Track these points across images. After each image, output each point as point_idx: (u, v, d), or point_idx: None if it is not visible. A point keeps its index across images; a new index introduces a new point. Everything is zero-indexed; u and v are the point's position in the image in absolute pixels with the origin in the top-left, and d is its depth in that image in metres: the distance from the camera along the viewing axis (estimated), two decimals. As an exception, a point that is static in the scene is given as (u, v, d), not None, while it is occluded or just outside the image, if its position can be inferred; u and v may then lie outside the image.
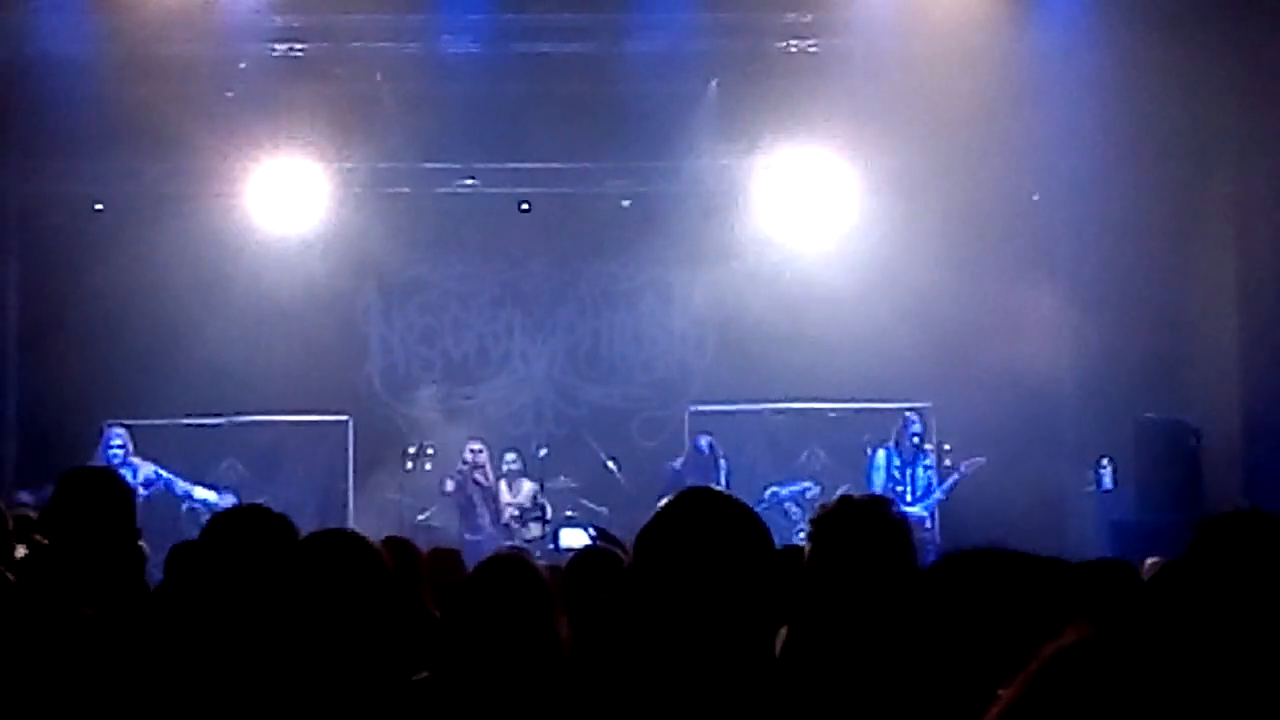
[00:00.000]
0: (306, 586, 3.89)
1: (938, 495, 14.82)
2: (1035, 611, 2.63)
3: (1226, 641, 1.42)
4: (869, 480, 14.83)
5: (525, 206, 16.35)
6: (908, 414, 14.99)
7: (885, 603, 3.54)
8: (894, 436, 14.97)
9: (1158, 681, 1.38)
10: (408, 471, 15.56)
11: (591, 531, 11.33)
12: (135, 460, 14.38)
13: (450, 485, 15.08)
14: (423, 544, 11.09)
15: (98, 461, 14.27)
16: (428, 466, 15.54)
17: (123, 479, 4.78)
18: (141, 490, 14.12)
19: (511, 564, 4.72)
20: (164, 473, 14.38)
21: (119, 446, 14.44)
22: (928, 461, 14.97)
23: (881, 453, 14.97)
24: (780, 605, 3.05)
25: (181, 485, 14.34)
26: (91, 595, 4.47)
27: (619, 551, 6.01)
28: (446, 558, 7.04)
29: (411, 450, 15.67)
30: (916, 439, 14.91)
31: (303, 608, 3.87)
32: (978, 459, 14.58)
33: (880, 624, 3.44)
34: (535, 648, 4.41)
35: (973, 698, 1.57)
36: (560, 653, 4.45)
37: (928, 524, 14.55)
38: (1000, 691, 1.51)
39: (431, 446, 15.65)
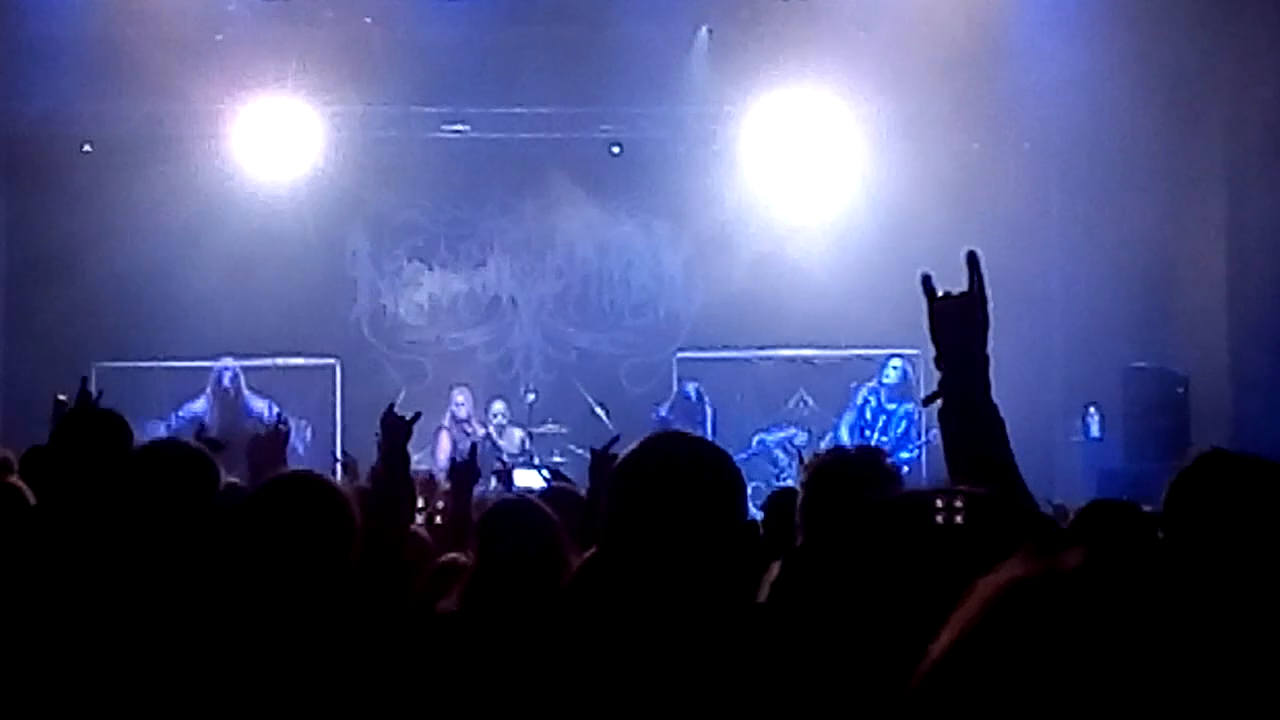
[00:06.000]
0: (262, 526, 3.87)
1: (916, 448, 14.64)
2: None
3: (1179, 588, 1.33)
4: (839, 418, 14.90)
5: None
6: (892, 359, 14.94)
7: (875, 547, 3.54)
8: (877, 378, 15.01)
9: (1103, 623, 1.27)
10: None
11: (545, 474, 11.45)
12: (249, 394, 14.37)
13: (446, 444, 15.01)
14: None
15: (208, 396, 14.32)
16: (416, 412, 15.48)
17: (128, 426, 4.66)
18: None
19: (523, 506, 4.77)
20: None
21: (231, 380, 14.38)
22: (909, 407, 14.88)
23: (864, 389, 15.01)
24: (753, 546, 3.07)
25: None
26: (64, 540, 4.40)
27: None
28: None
29: (400, 397, 15.61)
30: (898, 385, 14.83)
31: (259, 549, 3.85)
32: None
33: (868, 567, 3.44)
34: (550, 588, 4.42)
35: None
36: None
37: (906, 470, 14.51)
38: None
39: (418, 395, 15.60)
